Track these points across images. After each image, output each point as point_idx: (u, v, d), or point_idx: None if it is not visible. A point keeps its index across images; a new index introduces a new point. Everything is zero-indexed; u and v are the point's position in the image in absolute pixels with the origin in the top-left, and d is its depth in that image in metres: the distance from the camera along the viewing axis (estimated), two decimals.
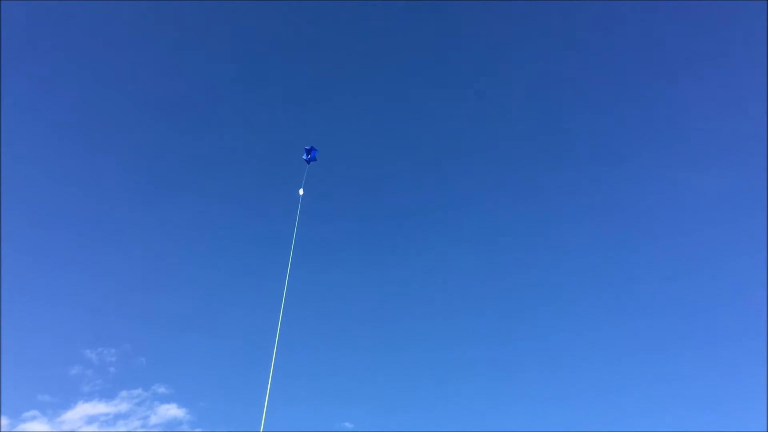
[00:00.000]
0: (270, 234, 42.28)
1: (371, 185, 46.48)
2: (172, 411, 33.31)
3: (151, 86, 44.64)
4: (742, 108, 40.17)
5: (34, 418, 31.67)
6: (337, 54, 47.88)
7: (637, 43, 44.63)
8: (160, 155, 44.16)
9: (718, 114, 41.65)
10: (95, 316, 36.74)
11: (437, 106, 48.21)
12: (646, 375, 34.01)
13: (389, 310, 39.89)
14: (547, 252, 41.88)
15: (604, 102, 45.50)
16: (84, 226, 39.90)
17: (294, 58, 47.36)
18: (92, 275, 38.33)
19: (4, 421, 30.67)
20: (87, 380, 33.72)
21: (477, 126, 47.42)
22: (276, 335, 14.53)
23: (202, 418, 33.27)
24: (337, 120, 46.71)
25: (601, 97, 45.74)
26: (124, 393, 33.62)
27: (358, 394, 35.65)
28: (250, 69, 47.24)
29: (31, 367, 33.45)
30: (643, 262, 39.48)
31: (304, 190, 17.83)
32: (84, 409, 32.70)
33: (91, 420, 32.29)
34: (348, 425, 33.00)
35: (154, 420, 32.84)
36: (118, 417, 32.73)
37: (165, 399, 33.82)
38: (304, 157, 18.72)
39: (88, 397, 33.24)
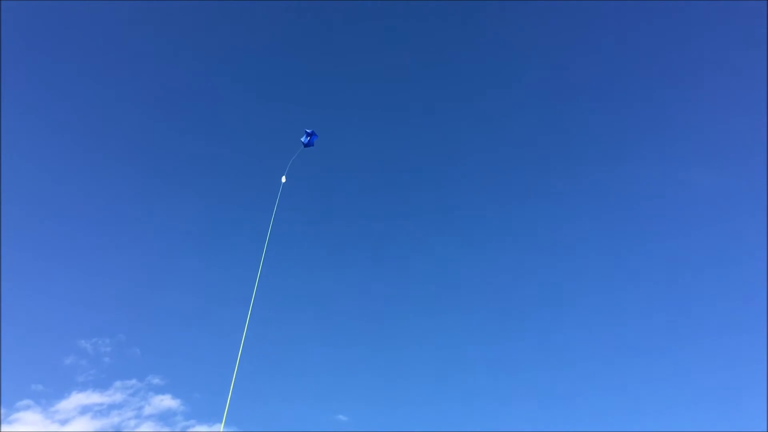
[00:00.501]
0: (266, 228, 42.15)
1: (369, 184, 46.43)
2: (166, 402, 33.24)
3: (148, 85, 44.62)
4: (742, 106, 40.21)
5: (27, 407, 31.57)
6: (338, 53, 47.87)
7: (636, 43, 44.75)
8: (155, 152, 44.07)
9: (718, 113, 41.67)
10: (90, 306, 36.68)
11: (437, 106, 48.16)
12: (647, 375, 34.01)
13: (386, 307, 39.79)
14: (546, 251, 41.85)
15: (604, 101, 45.54)
16: (79, 219, 39.79)
17: (295, 56, 47.35)
18: (87, 266, 38.30)
19: None
20: (81, 370, 33.65)
21: (477, 126, 47.51)
22: (245, 326, 14.24)
23: (196, 409, 33.23)
24: (337, 120, 46.61)
25: (600, 96, 45.78)
26: (118, 383, 33.52)
27: (352, 387, 35.70)
28: (251, 67, 47.44)
29: (25, 356, 33.40)
30: (644, 260, 39.43)
31: (286, 178, 17.52)
32: (78, 398, 32.59)
33: (84, 410, 32.19)
34: (342, 417, 33.05)
35: (148, 410, 32.76)
36: (112, 407, 32.64)
37: (159, 390, 33.74)
38: (303, 139, 18.62)
39: (82, 387, 33.14)
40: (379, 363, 36.54)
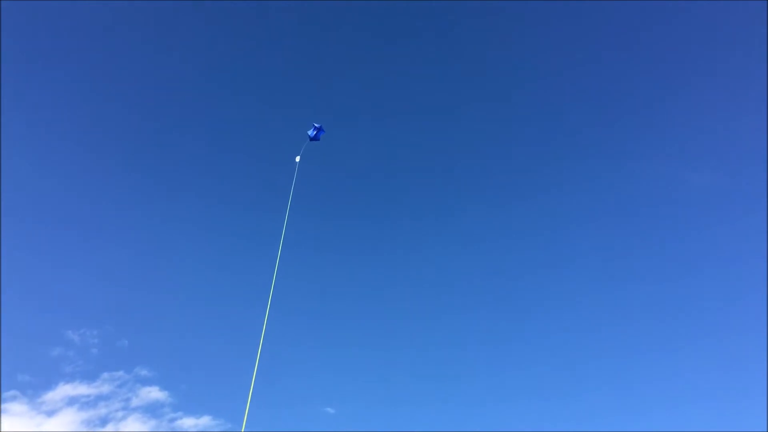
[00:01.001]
0: (257, 225, 42.41)
1: (367, 183, 46.65)
2: (153, 394, 33.20)
3: (147, 85, 44.46)
4: (742, 106, 40.55)
5: (14, 398, 31.29)
6: (338, 54, 48.08)
7: (635, 42, 44.96)
8: (148, 149, 44.00)
9: (718, 113, 41.96)
10: (78, 297, 36.47)
11: (437, 107, 48.42)
12: (646, 375, 34.09)
13: (378, 305, 40.00)
14: (544, 251, 42.02)
15: (603, 101, 45.81)
16: (68, 212, 39.67)
17: (295, 57, 47.44)
18: (76, 258, 38.11)
19: None
20: (68, 361, 33.47)
21: (477, 126, 47.72)
22: (264, 322, 14.59)
23: (184, 401, 33.27)
24: (336, 120, 46.54)
25: (599, 97, 46.15)
26: (105, 375, 33.41)
27: (339, 380, 35.86)
28: (252, 67, 47.35)
29: (12, 347, 32.91)
30: (643, 260, 39.63)
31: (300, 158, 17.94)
32: (65, 390, 32.40)
33: (71, 401, 32.03)
34: (329, 410, 33.38)
35: (135, 402, 32.70)
36: (99, 398, 32.51)
37: (147, 381, 33.66)
38: (310, 133, 18.93)
39: (70, 378, 32.95)
40: (370, 359, 36.88)
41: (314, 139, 19.04)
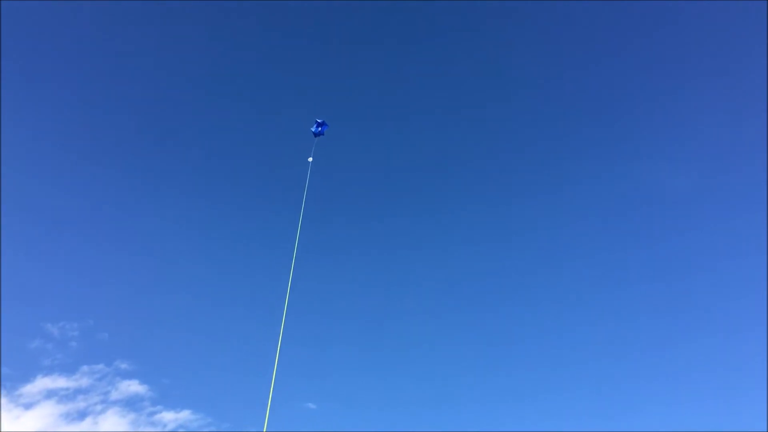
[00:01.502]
0: (242, 221, 42.74)
1: (369, 184, 46.73)
2: (133, 387, 33.01)
3: (147, 86, 44.09)
4: (742, 107, 40.65)
5: None
6: (338, 55, 47.94)
7: (634, 42, 45.08)
8: (136, 145, 43.55)
9: (717, 114, 42.09)
10: (58, 290, 36.11)
11: (438, 106, 48.55)
12: (647, 375, 34.26)
13: (362, 303, 40.11)
14: (542, 252, 42.14)
15: (604, 101, 45.93)
16: (48, 206, 38.92)
17: (295, 58, 47.16)
18: (57, 250, 37.60)
19: None
20: (47, 354, 33.10)
21: (474, 127, 47.98)
22: (281, 325, 14.94)
23: (164, 395, 33.14)
24: (336, 120, 46.39)
25: (600, 96, 46.24)
26: (85, 368, 33.11)
27: (322, 376, 35.97)
28: (256, 66, 47.05)
29: None
30: (643, 260, 39.62)
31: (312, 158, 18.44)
32: (43, 383, 31.99)
33: (50, 394, 31.63)
34: (311, 406, 33.61)
35: (114, 395, 32.49)
36: (78, 392, 32.20)
37: (127, 375, 33.49)
38: (313, 129, 19.29)
39: (48, 371, 32.57)
40: (353, 356, 37.16)
41: (318, 134, 19.42)
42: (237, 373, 34.89)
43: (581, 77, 46.15)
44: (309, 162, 18.17)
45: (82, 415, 31.50)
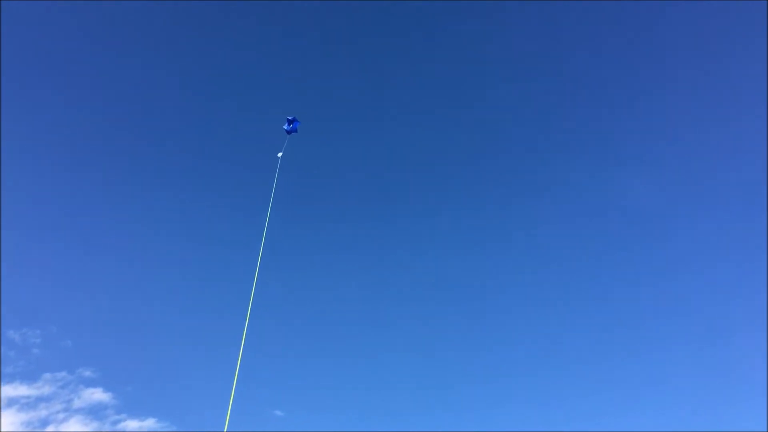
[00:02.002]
0: (210, 225, 42.31)
1: (341, 184, 46.66)
2: (97, 395, 32.42)
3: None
4: (742, 108, 41.13)
5: None
6: (333, 53, 48.13)
7: (632, 42, 45.46)
8: (103, 148, 42.88)
9: (716, 115, 42.68)
10: (20, 296, 35.07)
11: (436, 106, 48.63)
12: (646, 375, 34.27)
13: (329, 310, 39.96)
14: (538, 252, 42.30)
15: (606, 101, 46.18)
16: (9, 210, 38.03)
17: (290, 56, 47.32)
18: (19, 255, 36.65)
19: None
20: (9, 361, 32.21)
21: (473, 127, 48.02)
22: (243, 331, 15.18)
23: (128, 403, 32.58)
24: (334, 121, 46.99)
25: (601, 95, 46.58)
26: (47, 375, 32.42)
27: (290, 383, 35.78)
28: (242, 67, 46.91)
29: None
30: (642, 260, 39.90)
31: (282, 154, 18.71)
32: (5, 390, 31.11)
33: (11, 402, 30.83)
34: (278, 413, 33.45)
35: (77, 404, 31.88)
36: (39, 400, 31.47)
37: (91, 383, 32.86)
38: (285, 127, 19.64)
39: (10, 378, 31.71)
40: (321, 364, 36.87)
41: (291, 131, 19.76)
42: (203, 380, 34.43)
43: (584, 75, 46.31)
44: (278, 158, 18.49)
45: (44, 424, 30.86)
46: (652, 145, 44.00)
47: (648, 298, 37.89)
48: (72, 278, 37.03)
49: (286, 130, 19.65)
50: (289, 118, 19.58)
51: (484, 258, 42.61)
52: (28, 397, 31.37)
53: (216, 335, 36.45)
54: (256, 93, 46.38)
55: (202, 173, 44.09)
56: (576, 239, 42.03)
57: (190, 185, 43.66)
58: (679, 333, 35.95)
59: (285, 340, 37.83)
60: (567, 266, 40.82)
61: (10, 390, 31.26)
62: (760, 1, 38.16)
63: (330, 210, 44.81)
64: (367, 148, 47.74)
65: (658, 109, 44.18)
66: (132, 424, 31.78)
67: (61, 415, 31.31)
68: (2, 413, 30.29)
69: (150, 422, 32.05)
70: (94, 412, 31.83)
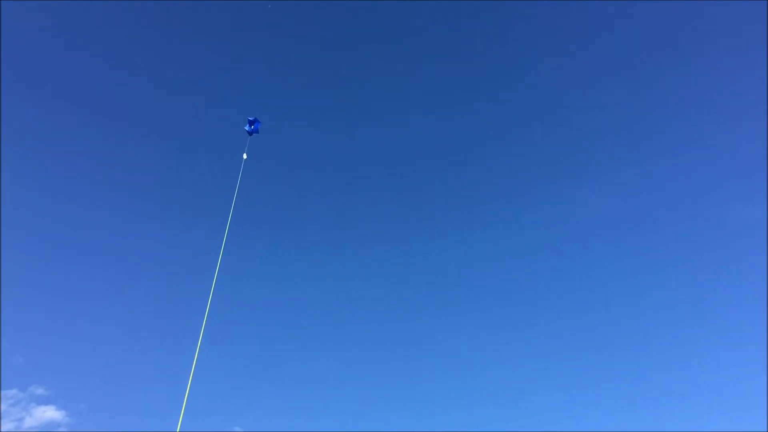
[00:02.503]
0: (172, 229, 41.23)
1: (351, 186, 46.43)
2: (49, 413, 31.34)
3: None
4: (741, 109, 41.65)
5: None
6: (335, 54, 47.61)
7: (631, 42, 45.89)
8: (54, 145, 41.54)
9: (716, 115, 42.96)
10: None
11: (436, 106, 48.59)
12: (646, 375, 34.54)
13: (287, 317, 39.41)
14: (531, 253, 42.58)
15: (608, 100, 46.40)
16: None
17: (290, 57, 46.87)
18: None
19: None
20: None
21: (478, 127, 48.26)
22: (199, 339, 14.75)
23: (82, 421, 31.60)
24: (332, 121, 46.75)
25: (606, 95, 46.82)
26: None
27: (248, 398, 34.88)
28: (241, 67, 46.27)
29: None
30: (648, 260, 40.34)
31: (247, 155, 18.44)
32: None
33: None
34: (237, 429, 32.54)
35: (29, 422, 30.72)
36: None
37: (43, 400, 31.79)
38: (246, 128, 19.26)
39: None
40: (281, 377, 36.27)
41: (253, 132, 19.41)
42: (159, 398, 33.11)
43: (584, 75, 46.59)
44: (243, 159, 18.19)
45: None
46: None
47: (648, 297, 38.64)
48: (23, 291, 35.42)
49: (247, 131, 19.31)
50: (250, 119, 19.26)
51: (467, 258, 43.08)
52: None
53: (174, 351, 35.40)
54: (255, 95, 46.04)
55: (150, 172, 43.31)
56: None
57: (158, 187, 42.84)
58: (678, 333, 36.53)
59: (246, 350, 37.16)
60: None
61: None
62: (761, 1, 38.58)
63: (300, 215, 44.57)
64: (348, 149, 47.80)
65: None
66: None
67: None
68: None
69: None
70: (47, 430, 30.81)
